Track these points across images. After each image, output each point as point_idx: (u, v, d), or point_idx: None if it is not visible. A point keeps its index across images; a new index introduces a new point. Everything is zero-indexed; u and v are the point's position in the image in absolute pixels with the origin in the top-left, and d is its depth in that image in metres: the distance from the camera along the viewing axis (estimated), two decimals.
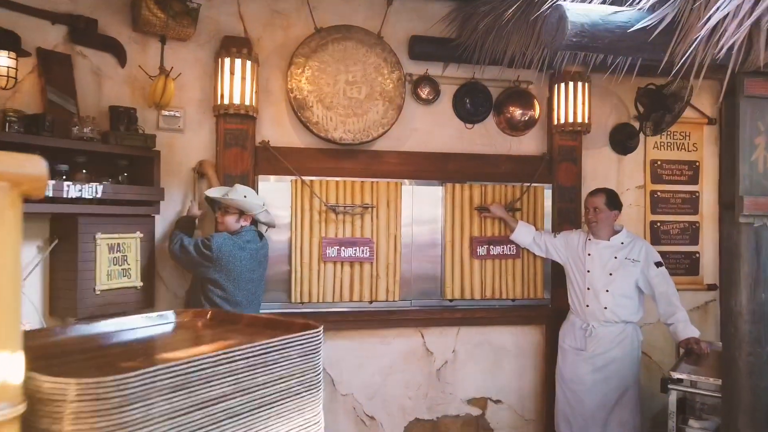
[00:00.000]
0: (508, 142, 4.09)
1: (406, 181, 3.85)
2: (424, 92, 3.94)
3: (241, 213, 3.20)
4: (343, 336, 3.79)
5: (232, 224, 3.20)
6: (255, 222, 3.31)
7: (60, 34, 3.07)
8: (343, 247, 3.68)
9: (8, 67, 2.70)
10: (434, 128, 3.98)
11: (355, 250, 3.70)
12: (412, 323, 3.89)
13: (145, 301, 3.31)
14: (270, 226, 3.41)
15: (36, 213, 2.83)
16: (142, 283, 3.26)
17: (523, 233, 3.79)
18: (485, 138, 4.05)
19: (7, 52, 2.69)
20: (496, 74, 3.98)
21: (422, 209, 3.88)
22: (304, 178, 3.66)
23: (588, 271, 3.52)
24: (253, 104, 3.52)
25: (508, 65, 3.71)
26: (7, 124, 2.67)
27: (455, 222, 3.88)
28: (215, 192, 3.25)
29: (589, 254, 3.54)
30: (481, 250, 3.86)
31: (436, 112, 3.99)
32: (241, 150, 3.58)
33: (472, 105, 3.99)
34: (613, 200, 3.56)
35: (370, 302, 3.76)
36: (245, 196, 3.19)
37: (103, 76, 3.28)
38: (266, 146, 3.65)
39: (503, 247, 3.89)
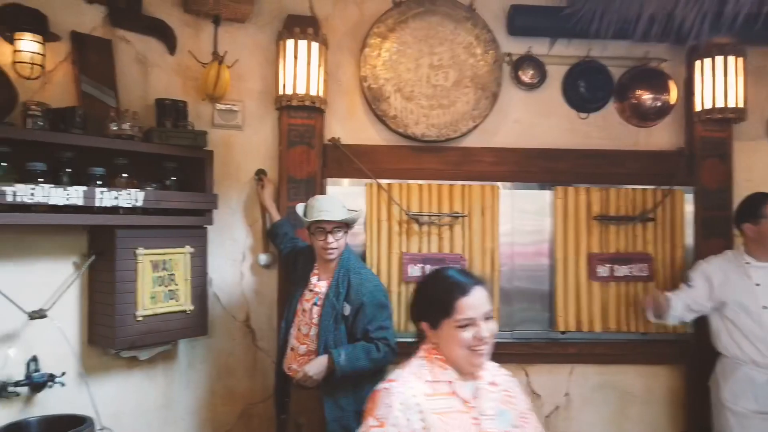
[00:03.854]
0: (634, 134, 3.28)
1: (505, 184, 3.14)
2: (527, 75, 3.23)
3: (348, 227, 2.55)
4: None
5: (344, 246, 2.53)
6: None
7: (98, 15, 2.64)
8: (428, 265, 3.03)
9: (32, 53, 2.27)
10: (539, 119, 3.25)
11: None
12: (514, 358, 3.13)
13: (196, 327, 2.82)
14: None
15: (66, 225, 2.40)
16: (192, 307, 2.77)
17: (681, 308, 2.82)
18: (604, 130, 3.27)
19: (30, 34, 2.26)
20: (620, 50, 3.20)
21: (525, 219, 3.16)
22: (380, 181, 3.05)
23: (764, 307, 2.64)
24: (321, 94, 2.96)
25: (638, 38, 2.94)
26: (28, 119, 2.23)
27: (568, 235, 3.11)
28: (302, 210, 2.58)
29: (757, 284, 2.65)
30: (602, 271, 3.08)
31: (541, 100, 3.25)
32: (307, 149, 3.02)
33: (587, 89, 3.22)
34: None
35: None
36: (344, 206, 2.56)
37: (149, 65, 2.83)
38: (336, 144, 3.07)
39: (631, 267, 3.08)
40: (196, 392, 2.98)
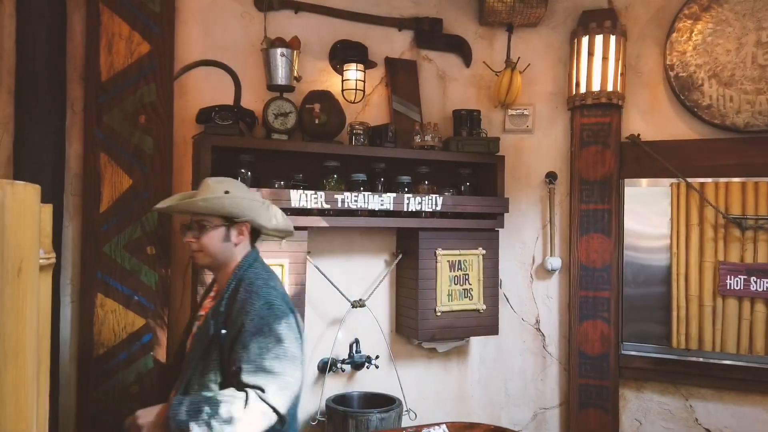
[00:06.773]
0: None
1: None
2: None
3: (231, 223, 1.75)
4: (753, 402, 2.66)
5: (218, 248, 1.74)
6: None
7: (406, 40, 2.94)
8: (753, 278, 2.58)
9: (356, 80, 2.66)
10: None
11: None
12: None
13: (488, 326, 2.92)
14: (285, 236, 1.91)
15: (380, 227, 2.74)
16: (485, 306, 2.88)
17: None
18: None
19: (354, 64, 2.65)
20: None
21: None
22: (689, 180, 2.71)
23: None
24: (618, 89, 2.78)
25: None
26: (352, 137, 2.63)
27: None
28: (169, 200, 1.84)
29: None
30: None
31: None
32: (601, 148, 2.87)
33: None
34: None
35: None
36: (227, 192, 1.72)
37: (447, 79, 3.04)
38: (636, 141, 2.83)
39: None
40: (488, 389, 3.09)
